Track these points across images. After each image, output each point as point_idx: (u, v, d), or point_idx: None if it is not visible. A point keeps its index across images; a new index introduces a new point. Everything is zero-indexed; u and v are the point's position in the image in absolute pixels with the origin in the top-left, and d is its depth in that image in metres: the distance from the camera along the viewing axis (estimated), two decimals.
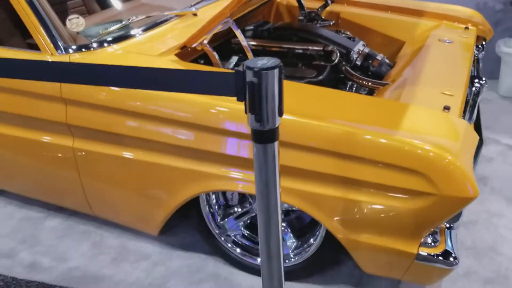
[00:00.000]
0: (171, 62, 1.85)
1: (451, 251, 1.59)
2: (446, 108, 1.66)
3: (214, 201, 1.99)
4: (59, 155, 2.01)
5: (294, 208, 1.89)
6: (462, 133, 1.53)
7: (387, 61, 2.31)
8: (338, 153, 1.51)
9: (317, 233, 1.84)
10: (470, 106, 2.01)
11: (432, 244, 1.61)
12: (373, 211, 1.56)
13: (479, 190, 1.50)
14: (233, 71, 0.96)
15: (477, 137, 1.61)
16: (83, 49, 1.92)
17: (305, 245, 1.89)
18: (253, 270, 2.01)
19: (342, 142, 1.50)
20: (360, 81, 2.11)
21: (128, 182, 1.93)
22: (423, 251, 1.58)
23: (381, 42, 2.73)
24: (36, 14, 1.90)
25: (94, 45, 1.93)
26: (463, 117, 1.86)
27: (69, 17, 2.04)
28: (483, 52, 2.61)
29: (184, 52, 1.99)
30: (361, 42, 2.38)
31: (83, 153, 1.94)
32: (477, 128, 2.28)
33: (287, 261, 1.92)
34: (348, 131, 1.49)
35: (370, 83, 2.08)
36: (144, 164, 1.84)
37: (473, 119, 1.99)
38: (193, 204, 1.94)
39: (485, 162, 2.72)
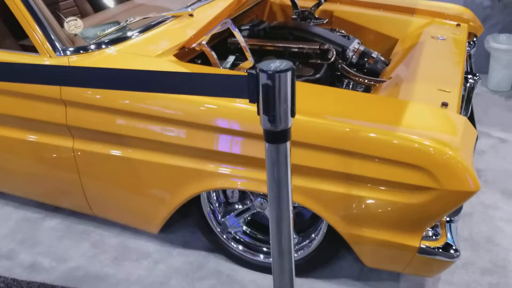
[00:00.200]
0: (170, 63, 1.86)
1: (452, 243, 1.63)
2: (444, 104, 1.70)
3: (215, 198, 2.00)
4: (59, 156, 2.01)
5: (295, 205, 1.91)
6: (461, 129, 1.57)
7: (382, 58, 2.35)
8: (340, 150, 1.54)
9: (318, 228, 1.87)
10: (465, 101, 2.05)
11: (433, 237, 1.65)
12: (375, 206, 1.59)
13: None
14: (246, 73, 0.98)
15: (476, 132, 1.65)
16: (81, 51, 1.92)
17: (307, 241, 1.92)
18: (255, 266, 2.03)
19: (344, 139, 1.52)
20: (357, 79, 2.15)
21: (129, 182, 1.94)
22: (425, 245, 1.62)
23: (374, 39, 2.77)
24: (33, 16, 1.90)
25: (92, 47, 1.93)
26: (460, 112, 1.90)
27: (67, 19, 2.04)
28: (474, 48, 2.66)
29: (182, 53, 2.00)
30: (356, 40, 2.41)
31: (83, 154, 1.95)
32: (471, 122, 2.32)
33: None
34: (350, 128, 1.52)
35: (366, 81, 2.11)
36: (145, 163, 1.85)
37: (468, 113, 2.04)
38: (193, 202, 1.96)
39: (477, 155, 2.78)
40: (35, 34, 1.89)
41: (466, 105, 2.03)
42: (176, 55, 1.94)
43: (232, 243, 2.04)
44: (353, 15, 2.84)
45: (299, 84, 1.79)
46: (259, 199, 1.89)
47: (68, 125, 1.90)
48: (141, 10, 2.45)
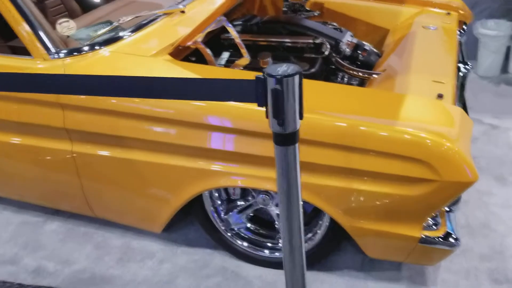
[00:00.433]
0: (167, 62, 1.86)
1: (452, 232, 1.68)
2: (440, 96, 1.73)
3: (217, 196, 2.02)
4: (58, 159, 2.01)
5: None
6: (457, 120, 1.60)
7: (375, 50, 2.37)
8: (340, 145, 1.56)
9: (320, 222, 1.90)
10: (459, 90, 2.08)
11: (434, 227, 1.69)
12: (376, 199, 1.62)
13: None
14: (254, 78, 0.99)
15: (472, 122, 1.68)
16: (75, 53, 1.91)
17: (310, 234, 1.95)
18: (260, 262, 2.06)
19: (343, 135, 1.55)
20: (352, 72, 2.17)
21: (131, 183, 1.95)
22: (426, 235, 1.66)
23: (365, 30, 2.78)
24: (26, 20, 1.89)
25: (86, 48, 1.92)
26: (455, 103, 1.93)
27: (59, 21, 2.03)
28: (465, 36, 2.69)
29: (176, 51, 2.01)
30: (349, 33, 2.43)
31: (82, 156, 1.95)
32: (463, 109, 2.36)
33: None
34: (349, 124, 1.55)
35: (361, 74, 2.13)
36: (146, 164, 1.86)
37: (462, 103, 2.07)
38: (195, 200, 1.97)
39: (470, 142, 2.83)
40: (28, 37, 1.88)
41: (460, 95, 2.07)
42: (170, 54, 1.94)
43: (237, 240, 2.06)
44: (344, 6, 2.85)
45: None
46: (261, 195, 1.91)
47: (66, 128, 1.90)
48: (132, 8, 2.44)
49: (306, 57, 2.26)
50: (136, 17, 2.17)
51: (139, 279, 2.05)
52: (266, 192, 1.90)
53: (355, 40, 2.36)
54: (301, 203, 1.12)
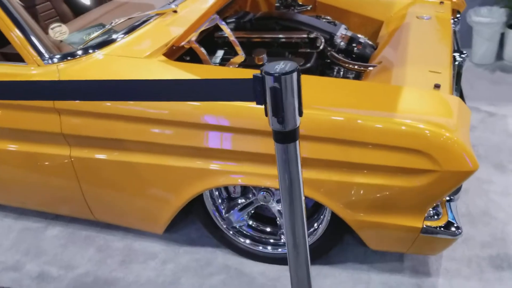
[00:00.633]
0: (161, 63, 1.86)
1: (453, 221, 1.68)
2: (437, 86, 1.73)
3: (217, 195, 2.02)
4: (57, 165, 2.00)
5: None
6: (455, 110, 1.60)
7: (370, 42, 2.37)
8: (339, 139, 1.56)
9: (322, 216, 1.90)
10: (455, 80, 2.08)
11: (435, 217, 1.69)
12: (378, 192, 1.62)
13: None
14: (251, 76, 0.99)
15: (470, 112, 1.69)
16: (69, 58, 1.90)
17: (311, 229, 1.95)
18: (262, 258, 2.07)
19: (342, 129, 1.55)
20: (347, 65, 2.17)
21: (130, 185, 1.94)
22: (428, 225, 1.66)
23: (359, 23, 2.78)
24: (17, 26, 1.88)
25: (80, 52, 1.91)
26: (452, 92, 1.93)
27: (51, 26, 2.02)
28: (459, 25, 2.69)
29: (171, 51, 2.00)
30: (343, 26, 2.42)
31: (81, 161, 1.94)
32: (460, 98, 2.37)
33: None
34: (348, 117, 1.54)
35: (357, 67, 2.13)
36: (145, 166, 1.86)
37: (459, 92, 2.07)
38: (195, 200, 1.97)
39: None
40: (21, 44, 1.87)
41: (457, 84, 2.07)
42: (165, 54, 1.93)
43: (239, 238, 2.07)
44: None
45: None
46: (262, 192, 1.91)
47: (64, 133, 1.90)
48: (124, 10, 2.43)
49: (301, 52, 2.25)
50: (129, 18, 2.16)
51: (142, 281, 2.06)
52: (267, 189, 1.90)
53: (349, 33, 2.35)
54: (303, 200, 1.12)
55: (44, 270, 2.16)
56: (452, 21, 2.55)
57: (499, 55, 3.74)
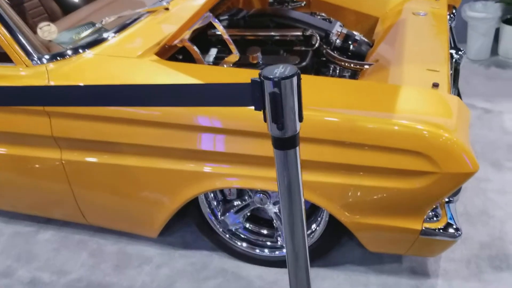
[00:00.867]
0: (153, 63, 1.81)
1: (453, 223, 1.66)
2: (435, 85, 1.70)
3: (213, 198, 1.98)
4: (48, 168, 1.96)
5: None
6: (455, 109, 1.57)
7: (365, 40, 2.33)
8: (337, 141, 1.53)
9: (319, 219, 1.87)
10: (453, 78, 2.06)
11: (434, 218, 1.67)
12: (376, 194, 1.59)
13: None
14: (246, 76, 0.95)
15: (469, 111, 1.65)
16: (59, 58, 1.85)
17: (309, 231, 1.92)
18: (259, 261, 2.03)
19: (340, 131, 1.51)
20: (343, 64, 2.13)
21: (123, 189, 1.90)
22: (427, 227, 1.63)
23: (354, 20, 2.74)
24: (5, 26, 1.82)
25: (69, 52, 1.86)
26: (450, 91, 1.90)
27: (40, 25, 1.97)
28: (454, 21, 2.66)
29: (163, 50, 1.95)
30: (338, 23, 2.38)
31: (72, 164, 1.90)
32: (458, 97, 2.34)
33: None
34: (345, 119, 1.51)
35: (353, 65, 2.09)
36: (138, 169, 1.81)
37: (457, 90, 2.04)
38: (190, 202, 1.93)
39: None
40: (8, 44, 1.81)
41: (455, 82, 2.04)
42: (157, 53, 1.89)
43: (235, 241, 2.03)
44: None
45: None
46: (258, 194, 1.87)
47: (54, 136, 1.85)
48: (114, 8, 2.37)
49: (296, 50, 2.21)
50: (119, 17, 2.11)
51: (137, 286, 2.01)
52: (263, 191, 1.86)
53: (345, 31, 2.31)
54: (303, 205, 1.08)
55: (36, 276, 2.12)
56: (448, 17, 2.52)
57: (494, 50, 3.72)
